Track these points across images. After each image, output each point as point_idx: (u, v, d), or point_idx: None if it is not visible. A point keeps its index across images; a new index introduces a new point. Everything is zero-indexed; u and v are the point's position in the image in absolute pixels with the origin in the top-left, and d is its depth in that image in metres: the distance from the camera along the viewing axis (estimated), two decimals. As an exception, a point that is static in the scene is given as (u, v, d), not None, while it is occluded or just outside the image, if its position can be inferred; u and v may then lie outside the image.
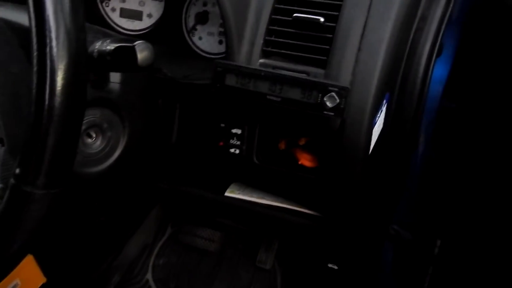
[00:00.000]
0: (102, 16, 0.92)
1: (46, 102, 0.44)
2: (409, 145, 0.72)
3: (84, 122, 0.52)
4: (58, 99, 0.44)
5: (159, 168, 0.87)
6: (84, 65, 0.47)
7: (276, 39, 0.69)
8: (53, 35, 0.43)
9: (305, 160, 0.71)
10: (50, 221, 0.49)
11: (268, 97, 0.65)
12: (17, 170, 0.46)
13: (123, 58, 0.55)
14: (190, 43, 0.89)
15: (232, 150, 0.73)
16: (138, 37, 0.89)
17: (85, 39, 0.47)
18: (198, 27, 0.88)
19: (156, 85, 0.76)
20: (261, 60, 0.69)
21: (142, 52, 0.55)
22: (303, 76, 0.65)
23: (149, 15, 0.90)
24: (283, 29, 0.69)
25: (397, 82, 0.70)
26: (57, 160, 0.46)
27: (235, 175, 0.82)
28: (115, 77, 0.67)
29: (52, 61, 0.43)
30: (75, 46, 0.45)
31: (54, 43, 0.43)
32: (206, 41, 0.88)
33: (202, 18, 0.87)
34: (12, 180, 0.47)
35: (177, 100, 0.80)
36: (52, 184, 0.47)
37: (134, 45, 0.54)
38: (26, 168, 0.46)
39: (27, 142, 0.46)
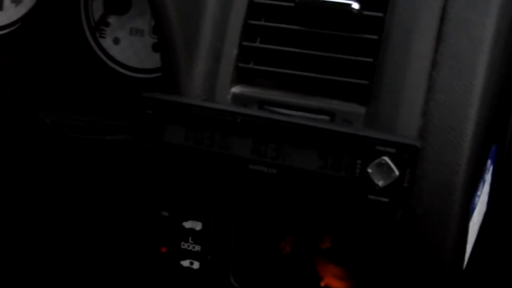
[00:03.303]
0: None
1: None
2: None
3: None
4: None
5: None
6: None
7: (264, 45, 0.53)
8: None
9: (333, 279, 0.57)
10: None
11: (251, 166, 0.49)
12: None
13: None
14: (97, 49, 0.72)
15: (184, 263, 0.57)
16: None
17: None
18: (112, 19, 0.71)
19: (25, 142, 0.65)
20: (234, 90, 0.52)
21: None
22: (322, 119, 0.50)
23: (17, 1, 0.74)
24: (277, 25, 0.53)
25: (510, 129, 0.61)
26: None
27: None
28: None
29: None
30: None
31: None
32: (127, 45, 0.71)
33: (119, 4, 0.70)
34: None
35: (72, 169, 0.68)
36: None
37: None
38: None
39: None
